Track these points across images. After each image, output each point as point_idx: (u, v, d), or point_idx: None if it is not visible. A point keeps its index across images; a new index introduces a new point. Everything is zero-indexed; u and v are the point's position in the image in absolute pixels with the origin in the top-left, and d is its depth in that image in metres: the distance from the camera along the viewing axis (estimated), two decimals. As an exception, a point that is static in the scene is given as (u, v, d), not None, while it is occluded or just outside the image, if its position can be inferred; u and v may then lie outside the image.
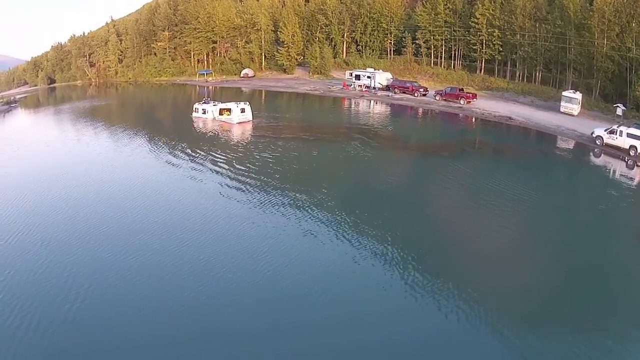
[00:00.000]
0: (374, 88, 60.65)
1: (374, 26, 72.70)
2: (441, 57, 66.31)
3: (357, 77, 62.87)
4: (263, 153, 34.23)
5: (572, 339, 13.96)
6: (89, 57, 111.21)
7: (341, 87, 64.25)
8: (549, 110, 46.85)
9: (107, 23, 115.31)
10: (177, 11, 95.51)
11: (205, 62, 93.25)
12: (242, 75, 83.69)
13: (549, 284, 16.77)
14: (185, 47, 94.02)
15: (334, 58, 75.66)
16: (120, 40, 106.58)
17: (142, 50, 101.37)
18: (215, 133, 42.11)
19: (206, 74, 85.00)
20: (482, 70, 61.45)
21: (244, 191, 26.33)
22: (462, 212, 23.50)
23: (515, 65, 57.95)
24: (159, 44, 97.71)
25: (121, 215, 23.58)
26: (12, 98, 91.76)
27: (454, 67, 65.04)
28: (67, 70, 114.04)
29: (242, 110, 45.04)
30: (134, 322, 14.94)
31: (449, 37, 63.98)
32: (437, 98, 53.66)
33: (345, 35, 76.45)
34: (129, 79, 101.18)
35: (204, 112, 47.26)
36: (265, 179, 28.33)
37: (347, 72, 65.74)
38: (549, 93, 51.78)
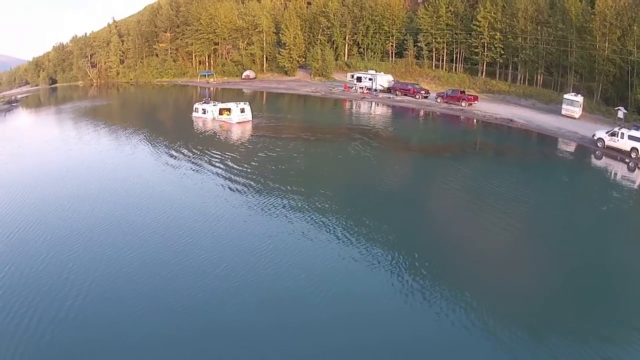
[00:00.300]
0: (375, 90, 60.64)
1: (375, 29, 72.80)
2: (443, 60, 66.36)
3: (359, 80, 62.89)
4: (263, 152, 34.17)
5: (572, 341, 13.79)
6: (91, 58, 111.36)
7: (342, 89, 64.25)
8: (551, 113, 46.78)
9: (109, 24, 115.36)
10: (179, 12, 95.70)
11: (207, 63, 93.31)
12: (243, 77, 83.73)
13: (549, 286, 16.63)
14: (187, 49, 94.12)
15: (336, 60, 75.76)
16: (122, 41, 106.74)
17: (144, 51, 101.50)
18: (214, 133, 42.07)
19: (207, 75, 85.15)
20: (484, 73, 61.47)
21: (243, 191, 26.24)
22: (462, 213, 23.37)
23: (517, 69, 58.02)
24: (160, 45, 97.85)
25: (121, 212, 23.51)
26: (13, 97, 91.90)
27: (455, 70, 65.09)
28: (69, 71, 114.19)
29: (242, 110, 45.05)
30: (136, 319, 14.78)
31: (450, 40, 64.09)
32: (439, 100, 53.62)
33: (347, 37, 76.53)
34: (131, 79, 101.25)
35: (204, 112, 47.28)
36: (265, 178, 28.24)
37: (349, 75, 65.76)
38: (550, 96, 51.75)
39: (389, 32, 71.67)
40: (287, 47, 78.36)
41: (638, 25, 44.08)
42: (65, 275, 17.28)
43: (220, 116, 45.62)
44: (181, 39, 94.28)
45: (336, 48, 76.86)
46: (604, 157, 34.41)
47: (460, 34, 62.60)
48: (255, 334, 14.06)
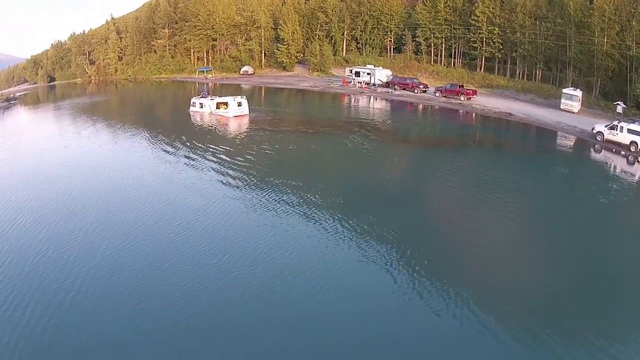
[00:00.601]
0: (374, 85, 60.53)
1: (374, 24, 72.57)
2: (441, 55, 66.17)
3: (357, 74, 62.74)
4: (260, 145, 34.03)
5: (572, 338, 13.65)
6: (89, 55, 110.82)
7: (341, 84, 64.12)
8: (549, 107, 46.73)
9: (107, 21, 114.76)
10: (177, 9, 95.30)
11: (205, 59, 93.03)
12: (241, 72, 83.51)
13: (548, 279, 16.51)
14: (185, 45, 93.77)
15: (334, 56, 75.51)
16: (120, 38, 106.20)
17: (142, 47, 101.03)
18: (212, 127, 41.90)
19: (206, 71, 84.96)
20: (482, 68, 61.31)
21: (239, 185, 26.10)
22: (462, 206, 23.28)
23: (516, 63, 57.88)
24: (158, 41, 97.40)
25: (118, 206, 23.37)
26: (11, 95, 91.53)
27: (454, 65, 64.90)
28: (67, 68, 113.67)
29: (239, 104, 44.92)
30: (135, 316, 14.62)
31: (449, 35, 63.85)
32: (437, 95, 53.56)
33: (345, 33, 76.32)
34: (129, 76, 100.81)
35: (201, 106, 47.15)
36: (262, 171, 28.16)
37: (347, 69, 65.63)
38: (549, 91, 51.67)
39: (387, 28, 71.45)
40: (285, 43, 78.14)
41: (637, 20, 43.97)
42: (61, 269, 17.15)
43: (218, 110, 45.48)
44: (179, 35, 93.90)
45: (334, 43, 76.68)
46: (603, 150, 34.37)
47: (458, 29, 62.41)
48: (254, 328, 13.93)
